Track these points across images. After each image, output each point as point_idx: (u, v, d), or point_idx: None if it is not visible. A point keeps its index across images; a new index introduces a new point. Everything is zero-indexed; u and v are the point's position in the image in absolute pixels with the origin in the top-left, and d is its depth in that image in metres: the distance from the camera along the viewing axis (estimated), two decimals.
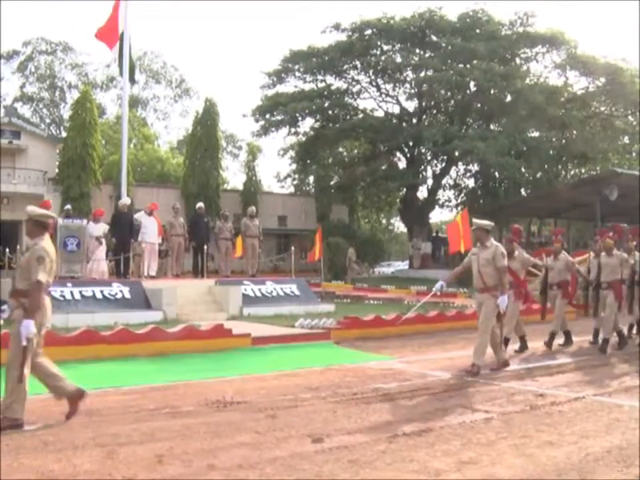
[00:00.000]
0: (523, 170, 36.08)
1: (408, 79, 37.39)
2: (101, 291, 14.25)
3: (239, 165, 55.86)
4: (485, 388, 7.80)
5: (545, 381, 8.26)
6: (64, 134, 39.20)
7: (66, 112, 48.86)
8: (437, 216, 48.40)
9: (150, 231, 16.98)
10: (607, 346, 10.95)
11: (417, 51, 36.63)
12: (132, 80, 20.87)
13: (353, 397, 7.28)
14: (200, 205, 19.29)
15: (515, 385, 7.96)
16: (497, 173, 37.30)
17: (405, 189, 38.38)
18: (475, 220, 9.13)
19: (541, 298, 12.08)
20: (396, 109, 39.46)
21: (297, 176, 46.89)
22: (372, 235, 41.24)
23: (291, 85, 38.71)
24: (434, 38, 36.52)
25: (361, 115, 38.69)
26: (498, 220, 31.04)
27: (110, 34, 18.62)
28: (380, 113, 39.37)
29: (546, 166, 38.49)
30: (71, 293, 13.86)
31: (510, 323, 10.43)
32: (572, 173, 42.83)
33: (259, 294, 16.46)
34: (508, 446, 5.38)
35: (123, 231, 16.32)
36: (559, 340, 11.64)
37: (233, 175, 55.20)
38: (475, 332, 10.43)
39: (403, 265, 42.77)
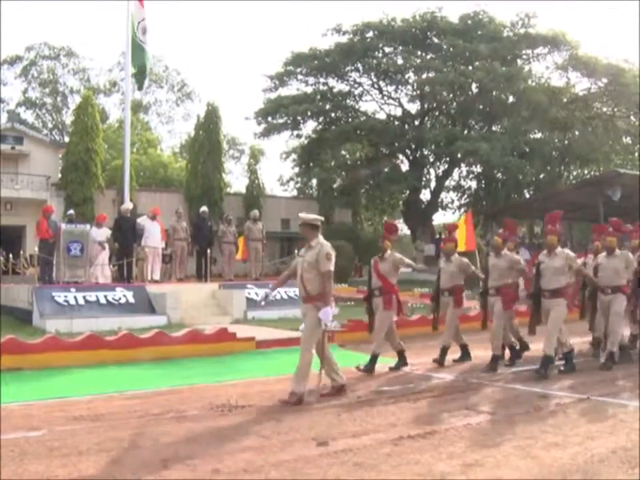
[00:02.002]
0: (526, 171, 36.05)
1: (410, 80, 37.38)
2: (105, 296, 14.26)
3: (241, 169, 55.80)
4: (489, 390, 7.79)
5: (549, 382, 8.24)
6: (67, 139, 39.23)
7: (68, 117, 48.89)
8: (440, 218, 48.26)
9: (153, 235, 17.00)
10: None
11: (419, 52, 36.61)
12: (140, 86, 20.82)
13: (358, 400, 7.28)
14: (203, 209, 19.30)
15: (519, 387, 7.96)
16: (499, 175, 37.27)
17: (407, 191, 38.37)
18: (300, 214, 7.74)
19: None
20: (398, 111, 39.49)
21: (299, 179, 46.89)
22: (375, 238, 41.14)
23: (293, 88, 38.76)
24: (435, 39, 36.51)
25: (363, 118, 38.67)
26: (501, 221, 31.01)
27: None
28: (382, 115, 39.40)
29: (548, 167, 38.45)
30: (75, 298, 13.88)
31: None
32: (574, 173, 42.78)
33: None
34: (513, 448, 5.38)
35: (126, 236, 16.34)
36: (456, 354, 10.19)
37: (235, 179, 55.19)
38: (478, 334, 10.45)
39: (406, 267, 42.60)
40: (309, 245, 7.48)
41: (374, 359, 9.17)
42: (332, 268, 7.34)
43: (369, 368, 9.07)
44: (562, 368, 9.06)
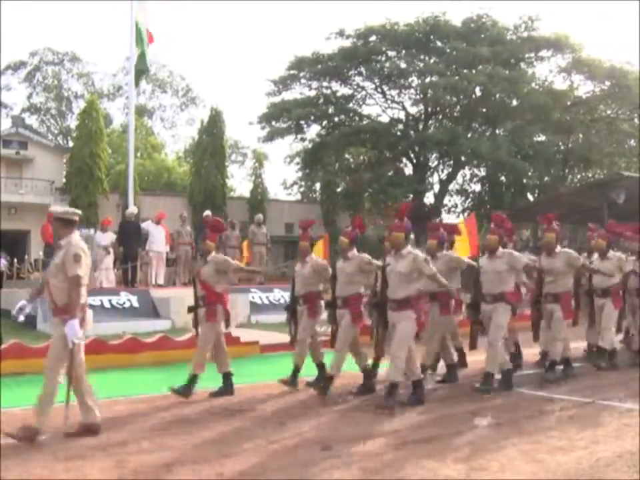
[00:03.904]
0: (530, 173, 36.03)
1: (413, 84, 37.38)
2: (109, 300, 14.26)
3: (244, 173, 55.89)
4: (493, 394, 7.76)
5: (554, 386, 8.20)
6: (71, 144, 39.33)
7: (73, 122, 49.00)
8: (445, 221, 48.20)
9: (157, 239, 17.01)
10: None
11: (422, 56, 36.62)
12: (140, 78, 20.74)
13: (362, 404, 7.26)
14: (207, 213, 19.30)
15: (524, 391, 7.92)
16: (503, 178, 37.24)
17: (411, 195, 38.36)
18: (51, 207, 6.41)
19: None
20: (401, 115, 39.48)
21: (303, 183, 46.93)
22: (379, 242, 41.10)
23: (296, 92, 38.77)
24: (438, 43, 36.53)
25: (366, 121, 38.67)
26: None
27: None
28: (385, 119, 39.38)
29: (552, 170, 38.42)
30: None
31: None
32: (578, 176, 42.74)
33: (266, 301, 16.42)
34: (517, 452, 5.37)
35: (131, 240, 16.35)
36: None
37: (238, 183, 55.15)
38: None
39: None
40: (59, 245, 6.26)
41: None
42: (81, 272, 6.11)
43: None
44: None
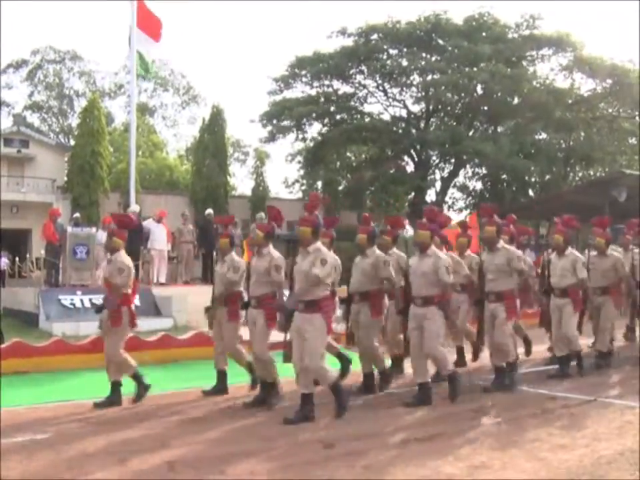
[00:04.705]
0: (532, 171, 35.98)
1: (414, 82, 37.32)
2: None
3: (246, 171, 55.74)
4: (495, 392, 7.76)
5: (556, 383, 8.20)
6: (72, 142, 39.34)
7: (74, 120, 48.99)
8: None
9: (159, 238, 17.02)
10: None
11: (423, 54, 36.55)
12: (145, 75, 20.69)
13: (364, 402, 7.27)
14: (209, 211, 19.31)
15: (525, 389, 7.92)
16: (505, 175, 37.21)
17: (413, 193, 38.35)
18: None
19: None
20: (403, 113, 39.41)
21: (304, 181, 46.91)
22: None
23: (297, 90, 38.69)
24: (440, 41, 36.45)
25: (367, 119, 38.63)
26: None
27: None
28: (387, 117, 39.33)
29: (553, 168, 38.39)
30: (81, 300, 13.88)
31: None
32: (580, 174, 42.70)
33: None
34: (519, 450, 5.37)
35: (132, 238, 16.29)
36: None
37: (240, 181, 55.02)
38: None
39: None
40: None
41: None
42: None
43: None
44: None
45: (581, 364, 8.69)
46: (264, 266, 7.18)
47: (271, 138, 38.69)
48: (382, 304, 7.74)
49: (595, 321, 9.51)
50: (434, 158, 38.40)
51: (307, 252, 6.60)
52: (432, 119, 39.01)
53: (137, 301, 14.32)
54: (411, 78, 37.16)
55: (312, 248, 6.58)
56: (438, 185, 39.72)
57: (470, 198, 41.31)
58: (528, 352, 9.90)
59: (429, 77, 35.77)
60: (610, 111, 38.36)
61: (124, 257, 7.66)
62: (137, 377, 7.49)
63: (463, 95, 36.39)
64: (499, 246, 7.97)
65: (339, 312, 7.77)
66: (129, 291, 7.58)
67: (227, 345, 7.70)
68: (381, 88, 38.39)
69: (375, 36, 36.25)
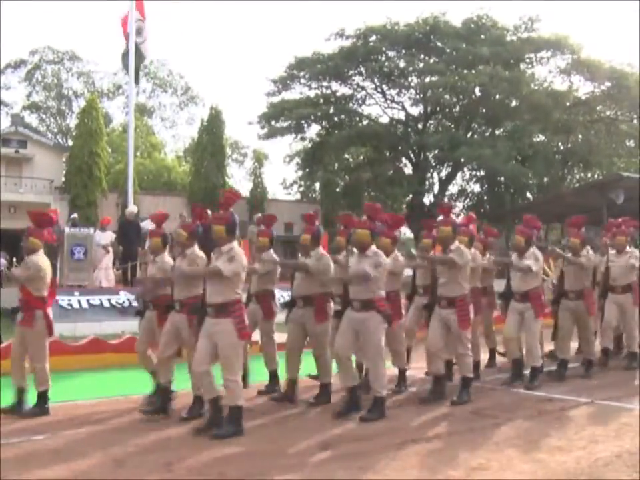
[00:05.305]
0: (530, 175, 36.02)
1: (413, 84, 37.36)
2: (108, 299, 14.24)
3: (244, 172, 55.72)
4: (492, 394, 7.77)
5: (553, 385, 8.22)
6: (70, 143, 39.31)
7: (72, 120, 48.92)
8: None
9: None
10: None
11: (422, 56, 36.61)
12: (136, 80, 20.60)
13: (362, 404, 7.26)
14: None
15: (523, 391, 7.93)
16: (503, 178, 37.28)
17: (411, 195, 38.39)
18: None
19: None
20: (401, 115, 39.44)
21: (302, 182, 46.92)
22: (378, 242, 41.01)
23: (296, 92, 38.73)
24: (438, 43, 36.50)
25: (366, 121, 38.70)
26: (504, 225, 31.00)
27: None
28: (385, 119, 39.39)
29: (551, 170, 38.44)
30: (78, 301, 13.86)
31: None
32: (577, 177, 42.76)
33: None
34: (517, 451, 5.38)
35: (131, 239, 16.34)
36: None
37: (238, 182, 55.01)
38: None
39: (410, 271, 42.51)
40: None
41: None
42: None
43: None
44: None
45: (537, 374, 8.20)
46: (186, 267, 6.69)
47: (269, 139, 38.91)
48: (327, 308, 7.34)
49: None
50: (432, 160, 38.43)
51: (220, 252, 6.17)
52: (430, 121, 39.05)
53: (134, 301, 14.39)
54: (409, 80, 37.22)
55: (226, 248, 6.15)
56: (436, 187, 39.79)
57: (468, 200, 41.37)
58: (489, 363, 9.53)
59: (427, 79, 35.83)
60: (608, 113, 38.42)
61: (40, 258, 7.10)
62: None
63: (461, 97, 36.47)
64: (453, 247, 7.31)
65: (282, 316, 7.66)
66: (44, 294, 7.08)
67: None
68: (379, 90, 38.44)
69: (373, 37, 36.28)
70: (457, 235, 7.44)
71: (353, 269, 6.69)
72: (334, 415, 6.59)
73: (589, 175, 41.78)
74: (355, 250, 6.95)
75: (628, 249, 9.47)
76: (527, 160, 35.64)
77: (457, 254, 7.21)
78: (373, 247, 6.75)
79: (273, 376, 7.96)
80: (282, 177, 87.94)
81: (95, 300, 14.09)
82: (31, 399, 6.82)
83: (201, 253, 6.87)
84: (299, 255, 7.67)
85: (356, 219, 7.38)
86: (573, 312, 8.80)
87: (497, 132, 37.99)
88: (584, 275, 8.85)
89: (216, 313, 6.01)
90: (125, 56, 18.81)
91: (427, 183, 38.50)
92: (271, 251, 7.83)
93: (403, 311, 8.22)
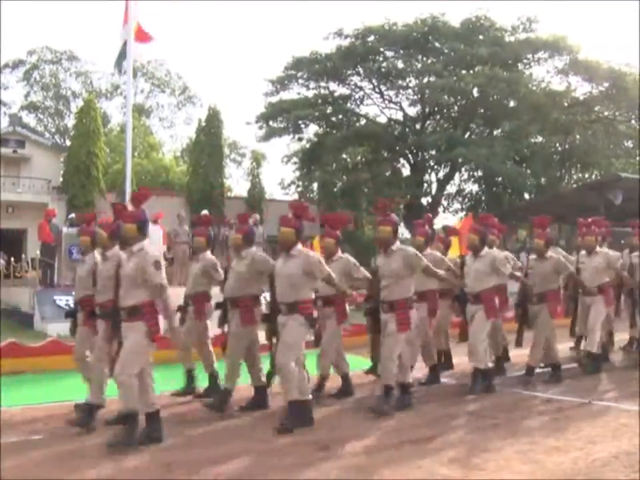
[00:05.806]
0: (528, 175, 36.02)
1: (411, 84, 37.35)
2: None
3: (242, 173, 55.70)
4: (490, 394, 7.76)
5: (551, 386, 8.22)
6: (68, 142, 39.29)
7: (70, 121, 48.88)
8: (442, 222, 48.14)
9: (154, 239, 17.00)
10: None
11: (420, 56, 36.62)
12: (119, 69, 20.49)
13: (359, 404, 7.27)
14: (204, 212, 19.28)
15: (521, 391, 7.94)
16: (500, 179, 37.29)
17: (408, 195, 38.38)
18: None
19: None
20: (399, 115, 39.44)
21: (300, 182, 46.92)
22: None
23: (294, 92, 38.70)
24: (436, 44, 36.49)
25: (364, 121, 38.69)
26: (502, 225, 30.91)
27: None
28: (383, 119, 39.38)
29: (549, 170, 38.46)
30: None
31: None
32: (575, 177, 42.77)
33: (263, 301, 16.38)
34: (514, 452, 5.38)
35: None
36: None
37: (236, 183, 54.96)
38: None
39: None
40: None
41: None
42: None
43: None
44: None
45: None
46: (107, 269, 6.33)
47: (267, 139, 38.86)
48: (253, 311, 7.24)
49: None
50: (430, 161, 38.44)
51: (131, 252, 5.85)
52: (428, 122, 39.05)
53: None
54: (407, 80, 37.20)
55: (136, 247, 5.83)
56: (434, 187, 39.78)
57: (466, 200, 41.38)
58: (448, 366, 9.28)
59: (425, 80, 35.81)
60: (606, 113, 38.43)
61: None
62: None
63: (459, 97, 36.46)
64: (394, 248, 6.87)
65: (214, 318, 7.71)
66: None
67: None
68: (377, 90, 38.43)
69: (371, 37, 36.26)
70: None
71: (278, 270, 6.58)
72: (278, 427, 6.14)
73: (587, 176, 41.78)
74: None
75: (599, 249, 9.29)
76: (525, 160, 35.64)
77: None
78: (299, 246, 6.52)
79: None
80: (280, 177, 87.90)
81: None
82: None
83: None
84: (231, 255, 7.68)
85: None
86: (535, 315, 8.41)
87: (495, 132, 37.99)
88: (551, 276, 8.48)
89: (128, 316, 5.79)
90: (121, 56, 18.76)
91: (425, 185, 38.51)
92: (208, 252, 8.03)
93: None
